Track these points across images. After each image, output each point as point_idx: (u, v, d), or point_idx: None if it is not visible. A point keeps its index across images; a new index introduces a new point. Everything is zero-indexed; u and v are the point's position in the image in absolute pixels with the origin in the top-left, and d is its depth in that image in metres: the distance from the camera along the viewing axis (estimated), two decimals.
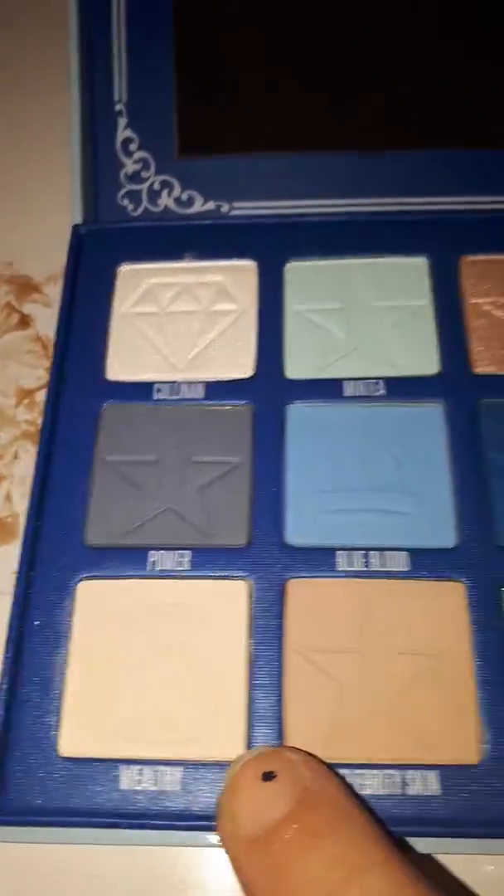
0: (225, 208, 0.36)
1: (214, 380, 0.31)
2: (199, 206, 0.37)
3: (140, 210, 0.36)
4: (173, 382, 0.31)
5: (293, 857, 0.19)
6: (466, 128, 0.34)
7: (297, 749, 0.23)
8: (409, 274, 0.33)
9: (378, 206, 0.34)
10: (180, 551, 0.27)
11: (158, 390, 0.31)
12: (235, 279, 0.34)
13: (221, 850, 0.21)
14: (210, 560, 0.27)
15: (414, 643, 0.25)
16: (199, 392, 0.31)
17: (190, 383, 0.31)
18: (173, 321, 0.33)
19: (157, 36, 0.35)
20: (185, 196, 0.37)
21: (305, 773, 0.21)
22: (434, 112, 0.35)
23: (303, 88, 0.36)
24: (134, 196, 0.37)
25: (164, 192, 0.37)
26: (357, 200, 0.35)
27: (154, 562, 0.27)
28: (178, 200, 0.37)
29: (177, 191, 0.37)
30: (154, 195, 0.36)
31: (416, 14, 0.35)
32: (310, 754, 0.23)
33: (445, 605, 0.26)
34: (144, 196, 0.37)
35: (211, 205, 0.36)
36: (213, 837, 0.24)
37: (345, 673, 0.25)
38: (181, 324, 0.33)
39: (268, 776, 0.21)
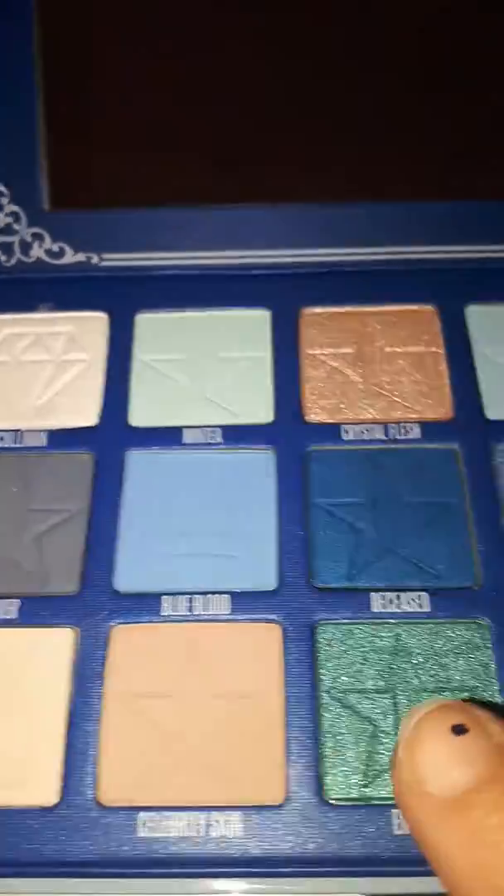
0: (95, 260, 0.37)
1: (58, 428, 0.32)
2: (70, 257, 0.38)
3: (13, 261, 0.37)
4: (16, 431, 0.32)
5: (500, 824, 0.17)
6: (310, 183, 0.37)
7: (479, 701, 0.21)
8: (252, 326, 0.34)
9: (227, 259, 0.36)
10: (9, 600, 0.28)
11: (1, 438, 0.32)
12: (87, 329, 0.35)
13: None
14: (39, 609, 0.28)
15: (230, 685, 0.26)
16: (42, 440, 0.31)
17: (33, 431, 0.32)
18: (24, 370, 0.34)
19: (22, 85, 0.36)
20: (55, 247, 0.37)
21: (496, 728, 0.19)
22: (280, 168, 0.37)
23: (170, 144, 0.37)
24: (6, 248, 0.38)
25: (36, 244, 0.38)
26: (210, 254, 0.37)
27: None
28: (49, 252, 0.37)
29: (48, 242, 0.38)
30: (26, 246, 0.37)
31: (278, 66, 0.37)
32: (490, 708, 0.21)
33: (262, 647, 0.27)
34: (17, 248, 0.38)
35: (81, 256, 0.37)
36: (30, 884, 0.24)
37: (162, 717, 0.26)
38: (32, 373, 0.34)
39: (459, 729, 0.19)
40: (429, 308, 0.34)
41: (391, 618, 0.27)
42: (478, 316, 0.34)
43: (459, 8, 0.35)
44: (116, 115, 0.38)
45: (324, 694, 0.26)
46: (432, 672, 0.26)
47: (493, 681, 0.26)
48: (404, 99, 0.36)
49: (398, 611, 0.28)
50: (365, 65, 0.36)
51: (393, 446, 0.31)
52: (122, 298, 0.35)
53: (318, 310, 0.34)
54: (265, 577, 0.28)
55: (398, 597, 0.28)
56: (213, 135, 0.37)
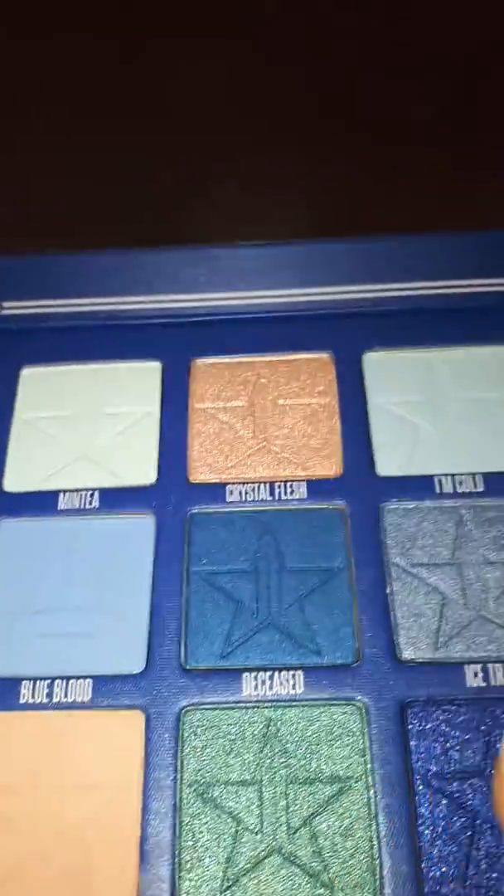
0: None
1: None
2: None
3: None
4: None
5: None
6: (194, 226, 0.35)
7: None
8: (143, 378, 0.32)
9: (116, 306, 0.34)
10: None
11: None
12: None
13: None
14: None
15: (88, 778, 0.24)
16: None
17: None
18: None
19: None
20: None
21: None
22: (166, 213, 0.35)
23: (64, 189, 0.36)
24: None
25: None
26: (98, 300, 0.35)
27: None
28: None
29: None
30: None
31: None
32: None
33: (124, 736, 0.25)
34: None
35: None
36: None
37: (15, 812, 0.24)
38: None
39: None
40: (324, 356, 0.32)
41: (262, 701, 0.26)
42: (374, 363, 0.32)
43: None
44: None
45: (185, 788, 0.25)
46: (303, 761, 0.25)
47: (370, 771, 0.24)
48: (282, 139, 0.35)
49: (270, 693, 0.26)
50: None
51: (278, 507, 0.30)
52: (5, 351, 0.33)
53: (209, 360, 0.33)
54: (132, 658, 0.26)
55: (271, 677, 0.26)
56: None
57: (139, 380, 0.32)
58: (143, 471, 0.30)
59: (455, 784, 0.24)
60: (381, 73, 0.37)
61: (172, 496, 0.29)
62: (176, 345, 0.33)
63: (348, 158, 0.37)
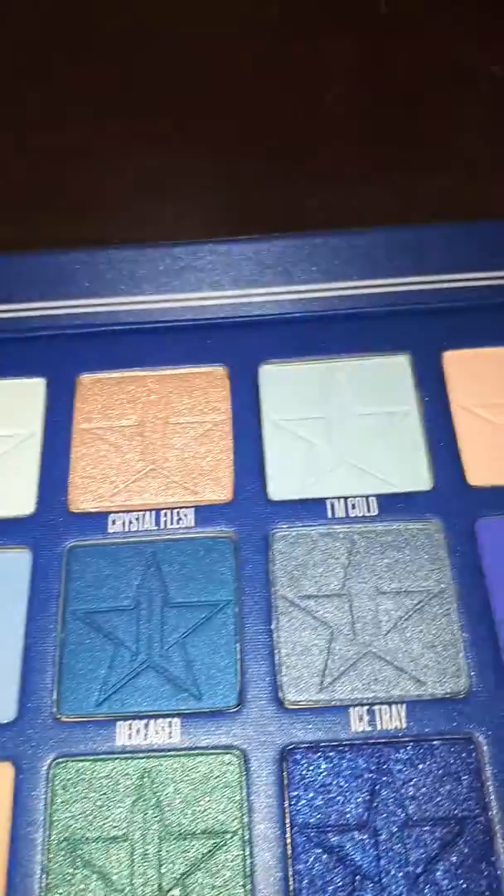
0: None
1: None
2: None
3: None
4: None
5: None
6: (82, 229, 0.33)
7: None
8: (23, 396, 0.30)
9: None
10: None
11: None
12: None
13: None
14: None
15: None
16: None
17: None
18: None
19: None
20: None
21: None
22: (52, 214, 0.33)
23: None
24: None
25: None
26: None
27: None
28: None
29: None
30: None
31: None
32: None
33: None
34: None
35: None
36: None
37: None
38: None
39: None
40: (219, 369, 0.31)
41: (137, 752, 0.24)
42: (270, 376, 0.30)
43: None
44: None
45: (54, 845, 0.24)
46: (178, 816, 0.23)
47: (246, 825, 0.23)
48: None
49: (145, 743, 0.24)
50: None
51: (165, 536, 0.28)
52: None
53: (97, 375, 0.30)
54: (1, 706, 0.25)
55: (146, 725, 0.25)
56: None
57: (21, 398, 0.30)
58: (21, 500, 0.28)
59: (336, 838, 0.23)
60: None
61: (50, 528, 0.27)
62: (62, 359, 0.31)
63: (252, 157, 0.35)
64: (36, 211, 0.34)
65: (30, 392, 0.30)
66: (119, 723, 0.25)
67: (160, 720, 0.25)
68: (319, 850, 0.23)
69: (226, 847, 0.23)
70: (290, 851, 0.23)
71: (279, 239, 0.32)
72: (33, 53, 0.37)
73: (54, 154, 0.35)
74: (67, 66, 0.37)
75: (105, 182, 0.34)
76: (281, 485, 0.28)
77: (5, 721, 0.25)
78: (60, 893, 0.23)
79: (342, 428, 0.29)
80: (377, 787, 0.24)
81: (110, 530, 0.28)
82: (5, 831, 0.23)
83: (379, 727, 0.24)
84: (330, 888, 0.22)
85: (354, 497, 0.28)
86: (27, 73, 0.37)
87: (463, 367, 0.30)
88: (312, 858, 0.23)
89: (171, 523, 0.28)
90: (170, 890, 0.23)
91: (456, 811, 0.23)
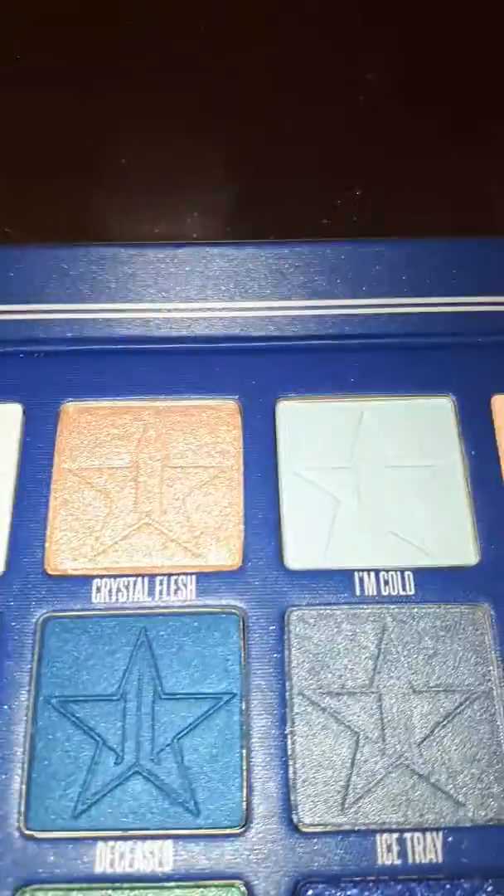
0: None
1: None
2: None
3: None
4: None
5: None
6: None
7: None
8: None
9: None
10: None
11: None
12: None
13: None
14: None
15: None
16: None
17: None
18: None
19: None
20: None
21: None
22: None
23: None
24: None
25: None
26: None
27: None
28: None
29: None
30: None
31: None
32: None
33: None
34: None
35: None
36: None
37: None
38: None
39: None
40: (230, 403, 0.26)
41: (124, 880, 0.20)
42: (290, 414, 0.25)
43: None
44: None
45: None
46: None
47: None
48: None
49: (130, 870, 0.20)
50: None
51: (160, 609, 0.24)
52: None
53: (84, 403, 0.26)
54: None
55: (132, 849, 0.20)
56: None
57: None
58: None
59: None
60: None
61: (23, 595, 0.23)
62: (41, 380, 0.26)
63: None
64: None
65: (2, 421, 0.26)
66: (100, 843, 0.21)
67: (149, 842, 0.21)
68: None
69: None
70: None
71: (304, 245, 0.28)
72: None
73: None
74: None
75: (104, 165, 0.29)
76: (301, 550, 0.24)
77: None
78: None
79: (373, 482, 0.25)
80: None
81: (94, 599, 0.23)
82: None
83: (410, 860, 0.21)
84: None
85: (388, 570, 0.24)
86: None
87: None
88: None
89: (168, 593, 0.23)
90: None
91: None
